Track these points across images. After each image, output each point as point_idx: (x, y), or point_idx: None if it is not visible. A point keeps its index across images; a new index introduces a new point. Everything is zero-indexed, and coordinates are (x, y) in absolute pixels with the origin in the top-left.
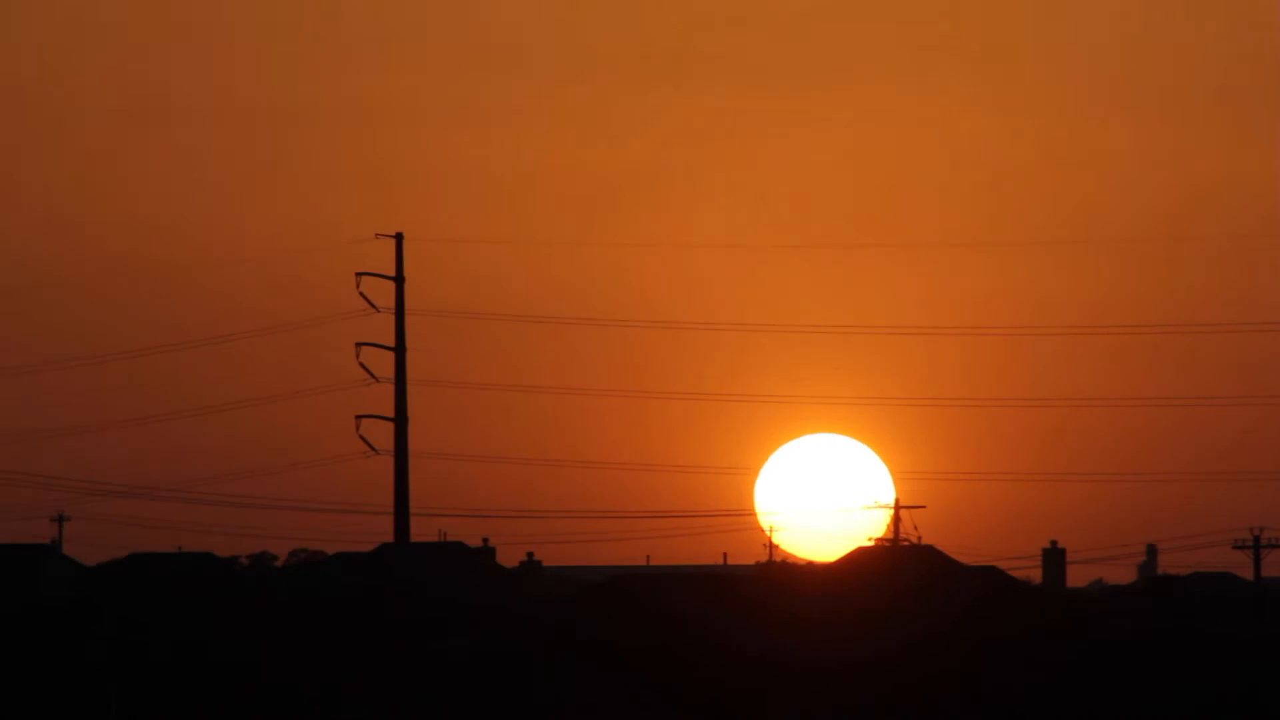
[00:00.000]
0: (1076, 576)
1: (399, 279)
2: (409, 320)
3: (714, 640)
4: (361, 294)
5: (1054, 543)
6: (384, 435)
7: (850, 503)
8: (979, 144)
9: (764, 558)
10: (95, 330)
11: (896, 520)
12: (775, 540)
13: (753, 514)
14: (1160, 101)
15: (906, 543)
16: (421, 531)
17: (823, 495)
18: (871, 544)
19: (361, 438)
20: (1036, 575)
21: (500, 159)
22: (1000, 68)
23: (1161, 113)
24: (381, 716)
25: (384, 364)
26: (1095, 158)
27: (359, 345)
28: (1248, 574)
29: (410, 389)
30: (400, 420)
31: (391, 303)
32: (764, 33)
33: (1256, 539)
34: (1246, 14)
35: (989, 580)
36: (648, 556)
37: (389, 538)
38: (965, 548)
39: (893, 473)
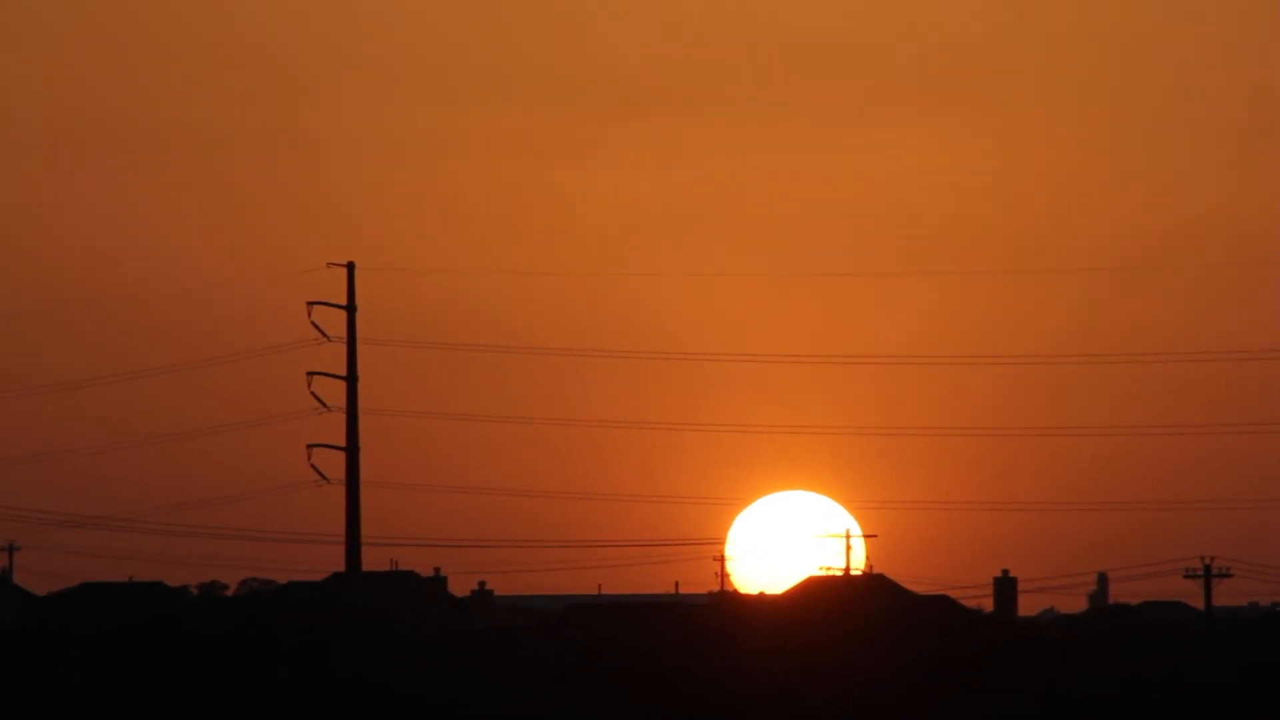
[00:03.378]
0: (1028, 605)
1: (350, 308)
2: (360, 349)
3: (669, 669)
4: (313, 323)
5: (1005, 572)
6: (335, 464)
7: (803, 533)
8: (940, 176)
9: (715, 587)
10: (45, 360)
11: (848, 549)
12: (727, 571)
13: (705, 542)
14: (1143, 134)
15: (859, 572)
16: (373, 560)
17: (779, 534)
18: (823, 573)
19: (313, 466)
20: (988, 604)
21: (451, 188)
22: (994, 103)
23: (1133, 144)
24: None
25: (335, 393)
26: (1056, 187)
27: (310, 374)
28: (1198, 602)
29: (362, 418)
30: (352, 449)
31: (343, 331)
32: (733, 64)
33: (1207, 568)
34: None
35: (940, 609)
36: (599, 586)
37: (340, 567)
38: (917, 577)
39: (844, 502)
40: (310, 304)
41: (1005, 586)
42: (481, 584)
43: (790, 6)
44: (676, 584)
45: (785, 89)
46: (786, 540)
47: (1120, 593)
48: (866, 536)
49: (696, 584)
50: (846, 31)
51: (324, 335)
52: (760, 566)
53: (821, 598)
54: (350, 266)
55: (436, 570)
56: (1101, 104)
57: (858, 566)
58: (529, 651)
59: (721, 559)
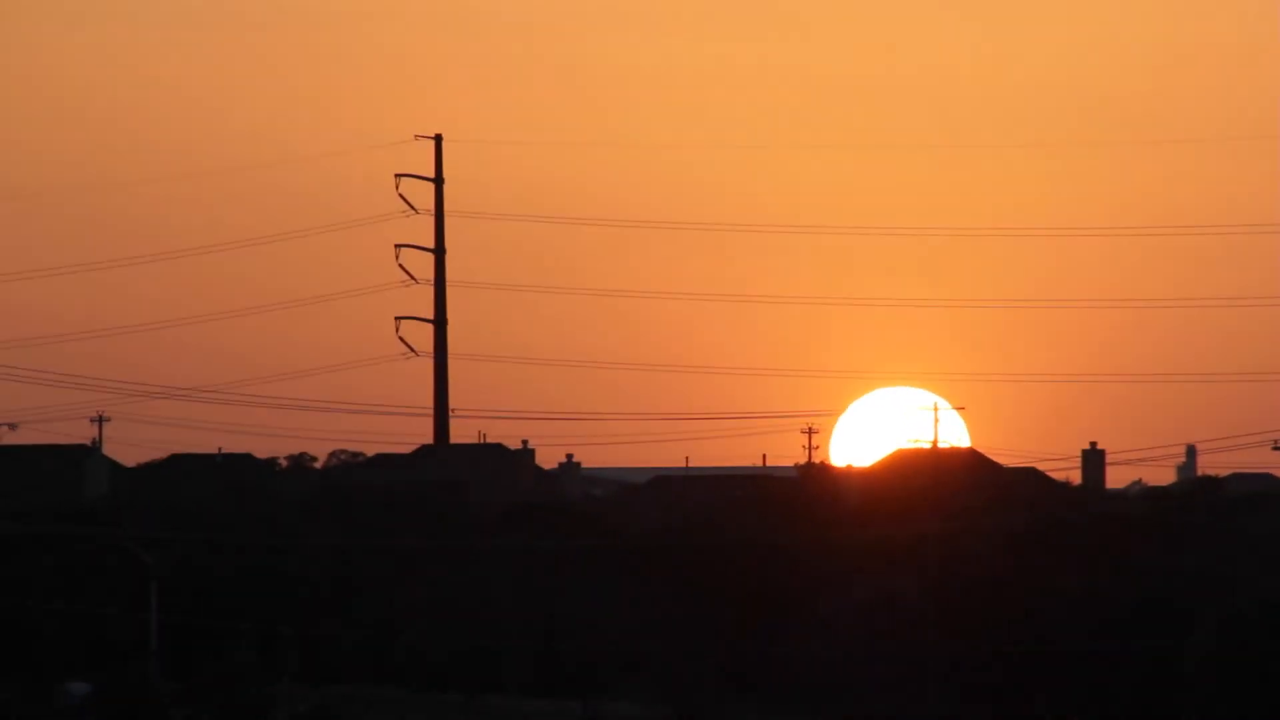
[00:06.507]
0: (1116, 478)
1: (438, 180)
2: (448, 222)
3: (755, 540)
4: (401, 195)
5: (1093, 444)
6: (423, 337)
7: (892, 406)
8: (1018, 53)
9: (803, 460)
10: (136, 233)
11: (936, 422)
12: (815, 444)
13: (793, 415)
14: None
15: (948, 445)
16: (461, 433)
17: (872, 417)
18: (913, 445)
19: (401, 339)
20: (1076, 476)
21: (538, 59)
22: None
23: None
24: (421, 615)
25: (423, 265)
26: (1136, 64)
27: (398, 247)
28: None
29: (449, 290)
30: (440, 322)
31: (431, 204)
32: None
33: None
34: None
35: (1029, 481)
36: (686, 458)
37: (428, 439)
38: (1005, 449)
39: (933, 374)
40: (398, 176)
41: (1093, 459)
42: (569, 456)
43: None
44: (764, 456)
45: None
46: (879, 419)
47: (1208, 465)
48: (955, 409)
49: (785, 457)
50: None
51: (411, 208)
52: (851, 444)
53: (910, 469)
54: (438, 139)
55: (524, 443)
56: None
57: (946, 440)
58: (614, 523)
59: (809, 431)
